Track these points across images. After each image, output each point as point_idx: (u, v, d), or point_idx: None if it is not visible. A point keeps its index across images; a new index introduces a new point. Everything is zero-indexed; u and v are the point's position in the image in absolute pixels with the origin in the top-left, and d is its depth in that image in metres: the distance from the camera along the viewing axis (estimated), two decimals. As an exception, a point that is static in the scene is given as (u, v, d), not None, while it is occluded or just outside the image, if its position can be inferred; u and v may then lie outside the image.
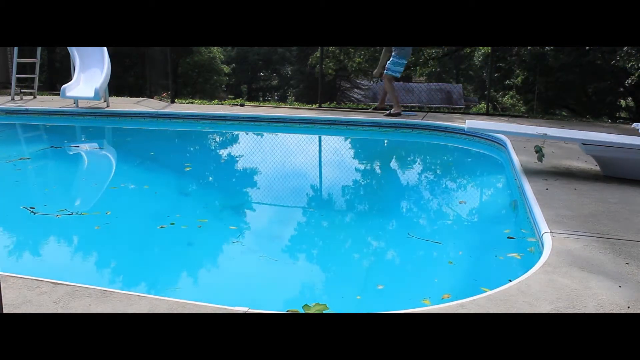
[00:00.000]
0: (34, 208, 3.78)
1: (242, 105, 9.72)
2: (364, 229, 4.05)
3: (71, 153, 6.66)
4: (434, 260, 3.33)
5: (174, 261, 3.25)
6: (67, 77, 9.58)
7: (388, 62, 8.31)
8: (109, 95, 9.06)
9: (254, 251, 3.47)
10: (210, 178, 5.89)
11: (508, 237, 3.52)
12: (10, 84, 10.22)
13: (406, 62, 8.51)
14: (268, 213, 4.41)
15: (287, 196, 4.91)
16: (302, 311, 2.29)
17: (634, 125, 5.90)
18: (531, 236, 3.38)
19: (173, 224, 3.71)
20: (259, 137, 8.27)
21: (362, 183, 5.69)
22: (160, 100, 10.20)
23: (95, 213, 3.97)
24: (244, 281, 3.03)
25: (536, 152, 4.82)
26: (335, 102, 12.56)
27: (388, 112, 8.39)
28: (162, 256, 3.37)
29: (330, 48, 13.69)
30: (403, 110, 8.67)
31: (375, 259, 3.44)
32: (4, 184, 4.81)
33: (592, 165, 4.96)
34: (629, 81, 11.04)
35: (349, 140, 8.39)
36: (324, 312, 2.31)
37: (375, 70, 8.94)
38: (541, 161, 4.81)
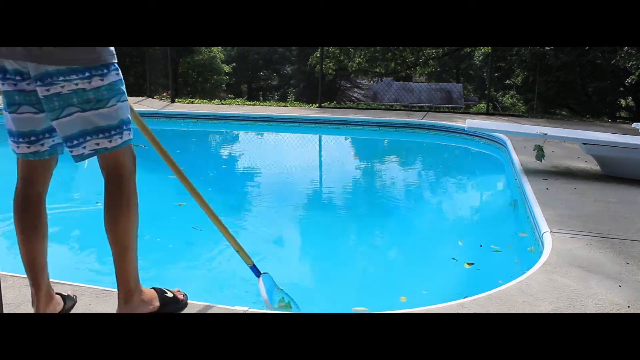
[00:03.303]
0: None
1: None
2: (362, 229, 4.04)
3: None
4: (432, 259, 3.33)
5: (171, 260, 3.24)
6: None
7: None
8: (109, 95, 9.05)
9: (253, 250, 3.47)
10: (210, 177, 5.88)
11: (507, 238, 3.52)
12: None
13: None
14: (267, 213, 4.41)
15: (286, 196, 4.91)
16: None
17: (634, 124, 5.90)
18: (531, 236, 3.38)
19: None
20: (259, 136, 8.27)
21: (362, 183, 5.69)
22: (161, 99, 10.21)
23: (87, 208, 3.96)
24: (241, 280, 3.03)
25: (535, 150, 4.82)
26: (335, 102, 12.56)
27: None
28: (159, 254, 3.37)
29: (330, 48, 13.69)
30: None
31: (374, 261, 3.43)
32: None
33: (592, 165, 4.96)
34: (629, 81, 11.03)
35: (349, 139, 8.39)
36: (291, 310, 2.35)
37: None
38: (540, 160, 4.81)
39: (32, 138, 1.78)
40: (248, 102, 11.07)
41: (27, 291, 2.16)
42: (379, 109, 10.39)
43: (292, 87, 27.90)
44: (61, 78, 1.66)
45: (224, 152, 7.60)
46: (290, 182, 5.41)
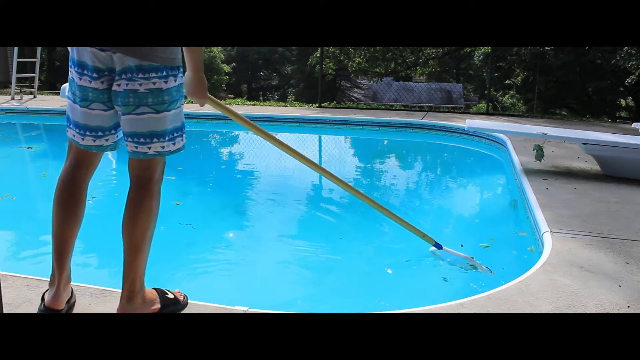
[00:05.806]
0: None
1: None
2: (363, 230, 4.04)
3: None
4: (433, 259, 3.33)
5: (170, 260, 3.24)
6: (67, 77, 9.57)
7: None
8: (109, 95, 9.04)
9: (252, 250, 3.47)
10: (209, 177, 5.88)
11: (507, 236, 3.52)
12: (11, 83, 10.21)
13: None
14: (267, 213, 4.40)
15: (286, 196, 4.90)
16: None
17: (634, 124, 5.91)
18: (531, 236, 3.38)
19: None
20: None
21: (362, 183, 5.68)
22: (160, 99, 10.20)
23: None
24: (241, 280, 3.03)
25: (535, 150, 4.82)
26: (335, 102, 12.56)
27: None
28: (159, 254, 3.36)
29: (330, 48, 13.69)
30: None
31: (374, 261, 3.43)
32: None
33: (592, 165, 4.96)
34: (629, 80, 11.04)
35: (349, 139, 8.39)
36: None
37: None
38: (540, 160, 4.81)
39: (100, 133, 1.84)
40: (248, 102, 11.07)
41: (27, 291, 2.16)
42: (379, 109, 10.39)
43: (292, 87, 27.87)
44: (140, 75, 1.70)
45: (224, 152, 7.60)
46: (290, 183, 5.41)
